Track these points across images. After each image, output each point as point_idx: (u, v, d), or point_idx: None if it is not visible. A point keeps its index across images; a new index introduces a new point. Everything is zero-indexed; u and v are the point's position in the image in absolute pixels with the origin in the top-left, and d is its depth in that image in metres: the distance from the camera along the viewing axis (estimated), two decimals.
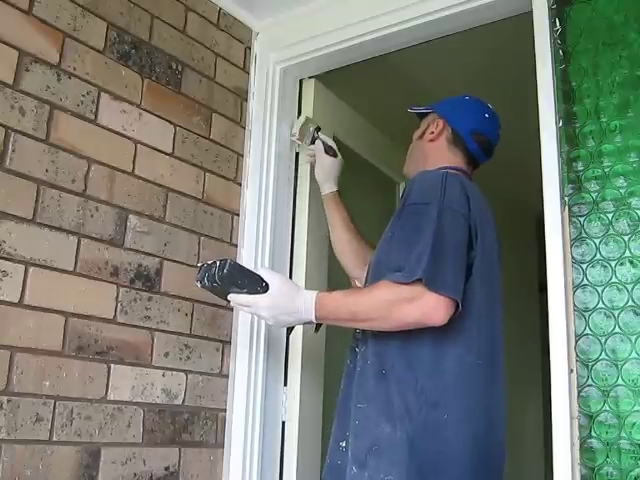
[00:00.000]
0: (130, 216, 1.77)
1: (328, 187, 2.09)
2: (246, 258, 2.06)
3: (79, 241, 1.65)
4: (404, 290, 1.41)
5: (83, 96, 1.71)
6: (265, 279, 1.53)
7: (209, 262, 1.52)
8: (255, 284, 1.52)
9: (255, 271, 1.57)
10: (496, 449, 1.51)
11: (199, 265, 1.54)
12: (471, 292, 1.47)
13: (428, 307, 1.39)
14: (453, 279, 1.42)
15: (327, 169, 2.09)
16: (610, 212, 1.53)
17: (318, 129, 2.16)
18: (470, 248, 1.49)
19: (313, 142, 2.15)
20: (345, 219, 2.03)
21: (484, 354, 1.50)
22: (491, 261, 1.57)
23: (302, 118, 2.20)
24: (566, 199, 1.58)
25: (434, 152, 1.77)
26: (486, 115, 1.80)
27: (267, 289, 1.52)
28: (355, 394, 1.53)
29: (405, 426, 1.41)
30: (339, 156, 2.12)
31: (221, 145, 2.07)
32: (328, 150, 2.12)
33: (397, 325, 1.45)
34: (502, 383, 1.55)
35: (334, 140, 2.19)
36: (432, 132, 1.79)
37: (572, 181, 1.59)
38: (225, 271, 1.49)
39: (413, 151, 1.86)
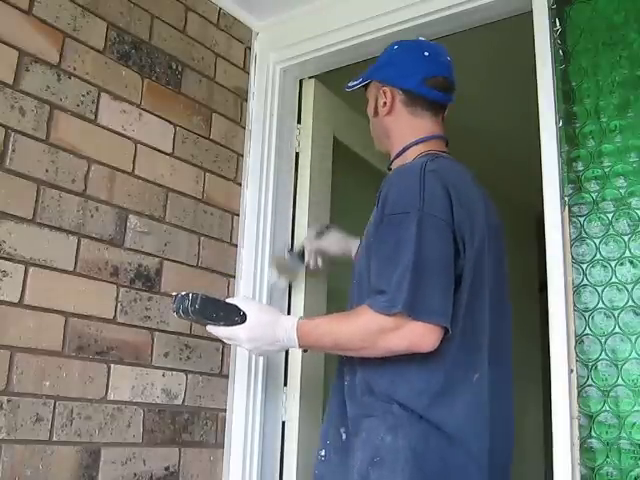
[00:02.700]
0: (130, 216, 1.77)
1: (353, 245, 1.90)
2: (246, 258, 2.06)
3: (79, 241, 1.65)
4: (387, 320, 1.34)
5: (83, 96, 1.71)
6: (242, 309, 1.48)
7: (182, 293, 1.47)
8: (232, 315, 1.47)
9: (230, 301, 1.52)
10: (501, 445, 1.46)
11: (174, 294, 1.49)
12: (458, 304, 1.39)
13: (415, 336, 1.33)
14: (439, 303, 1.33)
15: (336, 241, 1.98)
16: (610, 212, 1.53)
17: (291, 250, 2.08)
18: (457, 256, 1.39)
19: (303, 257, 2.01)
20: None
21: (475, 366, 1.43)
22: (480, 261, 1.45)
23: (274, 270, 2.07)
24: (566, 199, 1.58)
25: (396, 124, 1.62)
26: (425, 53, 1.61)
27: (245, 319, 1.47)
28: (349, 409, 1.48)
29: (407, 434, 1.36)
30: (329, 226, 2.03)
31: (221, 145, 2.07)
32: (319, 234, 2.00)
33: (384, 353, 1.39)
34: (497, 390, 1.47)
35: (334, 140, 2.17)
36: (384, 104, 1.62)
37: (572, 181, 1.59)
38: (197, 306, 1.44)
39: (375, 129, 1.70)
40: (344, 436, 1.49)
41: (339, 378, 1.55)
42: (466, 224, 1.41)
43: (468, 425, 1.39)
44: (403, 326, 1.33)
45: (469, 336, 1.42)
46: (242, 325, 1.47)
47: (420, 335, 1.33)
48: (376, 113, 1.66)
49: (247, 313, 1.47)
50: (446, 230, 1.37)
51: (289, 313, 2.13)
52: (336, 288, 2.26)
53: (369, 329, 1.37)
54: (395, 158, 1.63)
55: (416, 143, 1.58)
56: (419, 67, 1.60)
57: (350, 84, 1.73)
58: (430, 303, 1.33)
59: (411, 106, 1.60)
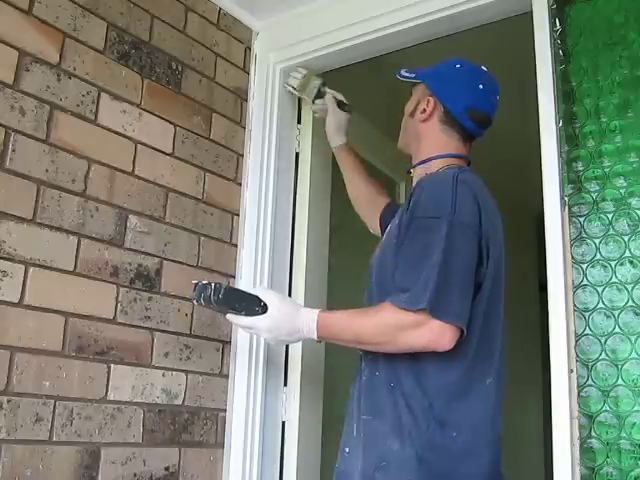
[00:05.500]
0: (130, 216, 1.77)
1: (339, 139, 2.09)
2: (246, 258, 2.06)
3: (79, 241, 1.65)
4: (408, 317, 1.39)
5: (83, 96, 1.71)
6: (263, 299, 1.51)
7: (204, 282, 1.50)
8: (253, 305, 1.51)
9: (251, 292, 1.55)
10: (498, 456, 1.49)
11: (194, 283, 1.52)
12: (477, 310, 1.44)
13: (434, 334, 1.38)
14: (459, 306, 1.39)
15: (340, 123, 2.09)
16: (610, 212, 1.53)
17: (324, 84, 2.15)
18: (480, 264, 1.45)
19: (319, 97, 2.14)
20: (359, 169, 2.03)
21: (489, 371, 1.48)
22: (499, 273, 1.52)
23: (303, 71, 2.18)
24: (566, 199, 1.58)
25: (427, 135, 1.68)
26: (481, 86, 1.66)
27: (266, 309, 1.50)
28: (363, 404, 1.50)
29: (414, 442, 1.39)
30: (350, 109, 2.12)
31: (221, 145, 2.07)
32: (341, 105, 2.11)
33: (403, 349, 1.44)
34: (503, 395, 1.53)
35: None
36: (424, 111, 1.68)
37: (572, 181, 1.59)
38: (220, 296, 1.48)
39: (407, 128, 1.76)
40: (355, 432, 1.51)
41: (358, 375, 1.57)
42: (490, 235, 1.48)
43: (478, 428, 1.43)
44: (423, 324, 1.38)
45: (485, 343, 1.48)
46: (263, 315, 1.51)
47: (439, 333, 1.38)
48: (412, 114, 1.72)
49: (268, 304, 1.51)
50: (473, 238, 1.44)
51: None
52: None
53: (390, 324, 1.42)
54: (418, 164, 1.68)
55: (442, 157, 1.64)
56: (468, 95, 1.65)
57: (403, 73, 1.77)
58: (451, 304, 1.38)
59: (445, 124, 1.66)
